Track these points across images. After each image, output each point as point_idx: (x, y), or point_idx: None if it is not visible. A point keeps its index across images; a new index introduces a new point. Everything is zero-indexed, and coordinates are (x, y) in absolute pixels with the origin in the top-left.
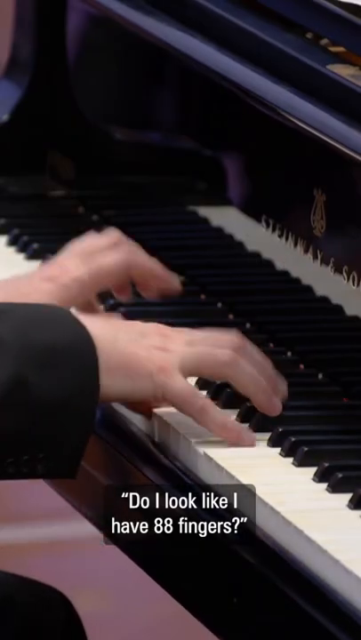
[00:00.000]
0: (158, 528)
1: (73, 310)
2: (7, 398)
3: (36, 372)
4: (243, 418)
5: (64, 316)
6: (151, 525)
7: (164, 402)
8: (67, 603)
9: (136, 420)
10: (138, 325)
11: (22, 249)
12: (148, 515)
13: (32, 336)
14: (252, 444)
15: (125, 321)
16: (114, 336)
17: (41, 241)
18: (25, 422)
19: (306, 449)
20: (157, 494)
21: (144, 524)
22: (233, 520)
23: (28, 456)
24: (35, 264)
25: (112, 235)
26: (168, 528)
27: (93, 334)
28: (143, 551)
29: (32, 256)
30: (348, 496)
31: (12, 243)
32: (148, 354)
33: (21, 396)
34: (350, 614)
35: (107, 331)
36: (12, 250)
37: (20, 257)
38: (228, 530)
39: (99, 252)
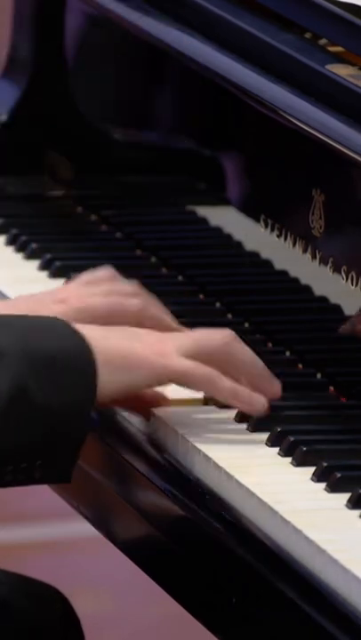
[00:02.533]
0: (157, 528)
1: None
2: (8, 408)
3: (35, 380)
4: (240, 418)
5: (61, 324)
6: (150, 525)
7: (168, 384)
8: (64, 601)
9: (135, 421)
10: (132, 328)
11: (21, 248)
12: (146, 515)
13: (32, 346)
14: (263, 408)
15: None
16: (107, 334)
17: (39, 241)
18: (25, 431)
19: (304, 448)
20: (156, 494)
21: (143, 524)
22: (232, 520)
23: (26, 464)
24: (33, 264)
25: (134, 285)
26: (167, 528)
27: (88, 336)
28: (142, 551)
29: (30, 256)
30: (346, 495)
31: (10, 242)
32: (143, 344)
33: (22, 405)
34: (349, 614)
35: (100, 331)
36: (10, 249)
37: (19, 256)
38: (226, 529)
39: (118, 291)
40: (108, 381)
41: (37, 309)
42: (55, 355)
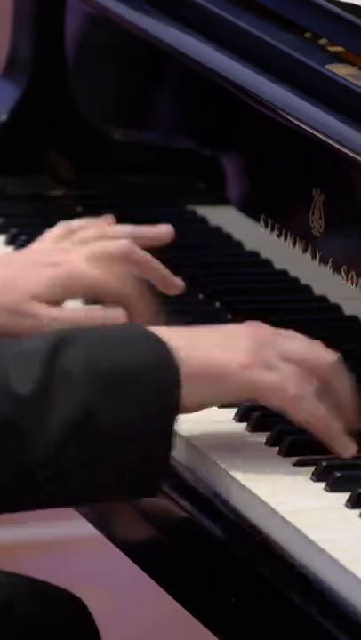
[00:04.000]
0: (157, 528)
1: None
2: (76, 435)
3: (105, 402)
4: (241, 417)
5: (140, 333)
6: (150, 525)
7: (252, 398)
8: (75, 601)
9: None
10: (223, 329)
11: (20, 248)
12: (146, 515)
13: (102, 363)
14: (350, 453)
15: (211, 327)
16: (195, 343)
17: None
18: (94, 454)
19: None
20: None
21: (143, 524)
22: (232, 520)
23: (98, 483)
24: None
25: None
26: (167, 527)
27: (173, 346)
28: (142, 551)
29: None
30: (346, 495)
31: (10, 242)
32: (230, 355)
33: (90, 430)
34: (349, 613)
35: (187, 340)
36: (10, 249)
37: None
38: (226, 530)
39: (100, 239)
40: (191, 394)
41: (32, 272)
42: (132, 370)
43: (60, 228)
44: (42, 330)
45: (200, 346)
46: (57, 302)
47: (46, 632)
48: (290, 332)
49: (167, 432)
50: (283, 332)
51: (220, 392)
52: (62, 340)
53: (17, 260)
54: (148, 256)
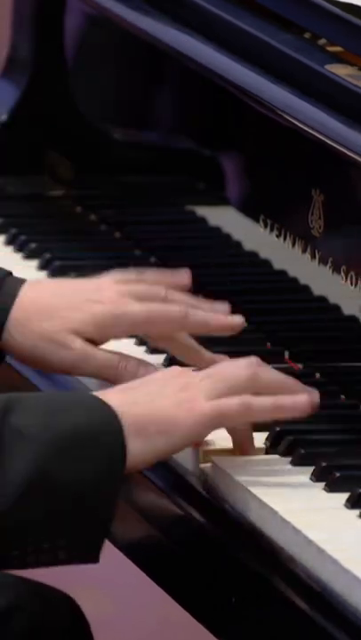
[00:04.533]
0: (158, 528)
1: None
2: (28, 491)
3: (58, 460)
4: None
5: (86, 397)
6: (150, 526)
7: (206, 435)
8: (74, 606)
9: None
10: (153, 378)
11: (20, 248)
12: (146, 516)
13: (53, 424)
14: (311, 401)
15: (142, 379)
16: (134, 399)
17: (38, 240)
18: (46, 511)
19: (303, 450)
20: (156, 495)
21: (143, 525)
22: (232, 521)
23: (48, 544)
24: (32, 263)
25: (165, 288)
26: (167, 528)
27: (115, 406)
28: (143, 553)
29: (29, 255)
30: (345, 495)
31: (9, 242)
32: (170, 400)
33: (43, 487)
34: (348, 613)
35: (126, 396)
36: (9, 249)
37: (18, 256)
38: (226, 530)
39: (155, 295)
40: (141, 449)
41: (78, 306)
42: (79, 431)
43: (126, 274)
44: (74, 363)
45: (141, 400)
46: (100, 340)
47: (45, 635)
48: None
49: (112, 494)
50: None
51: (170, 442)
52: (11, 401)
53: (67, 288)
54: (203, 316)
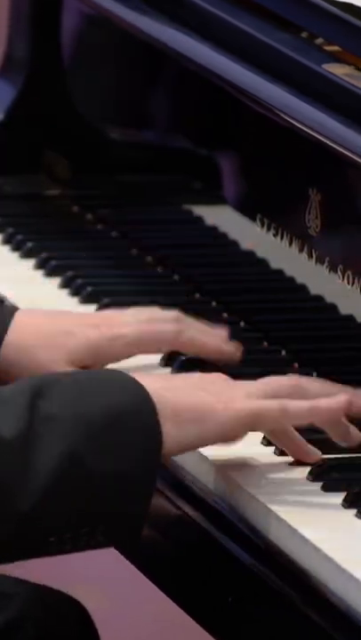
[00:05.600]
0: (153, 528)
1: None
2: (61, 476)
3: (91, 445)
4: None
5: (120, 377)
6: (146, 526)
7: (242, 435)
8: (80, 609)
9: None
10: (194, 376)
11: (16, 248)
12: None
13: (84, 407)
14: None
15: (181, 374)
16: (171, 384)
17: (35, 240)
18: (82, 498)
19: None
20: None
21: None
22: (227, 520)
23: (87, 529)
24: (28, 263)
25: (173, 312)
26: (163, 527)
27: (150, 389)
28: (140, 552)
29: (26, 255)
30: (342, 494)
31: (6, 241)
32: (210, 393)
33: (75, 473)
34: (344, 613)
35: (164, 382)
36: (6, 248)
37: (15, 255)
38: (222, 529)
39: (155, 320)
40: (175, 436)
41: (71, 329)
42: (113, 413)
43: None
44: None
45: (180, 387)
46: (95, 365)
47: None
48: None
49: (150, 475)
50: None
51: (205, 432)
52: (42, 386)
53: (60, 313)
54: (196, 336)
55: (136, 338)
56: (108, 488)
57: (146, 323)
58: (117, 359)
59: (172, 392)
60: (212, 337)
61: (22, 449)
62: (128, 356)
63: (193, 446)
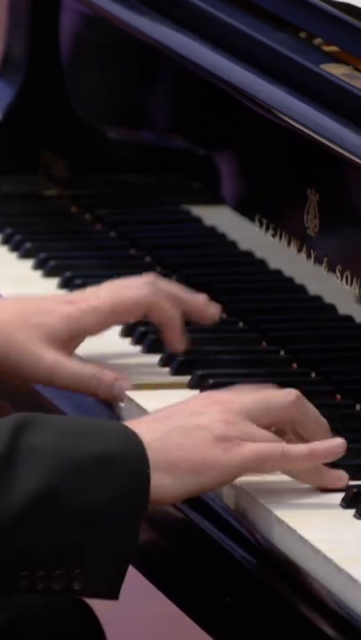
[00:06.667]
0: (154, 530)
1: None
2: (36, 509)
3: (70, 481)
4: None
5: (112, 425)
6: (146, 527)
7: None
8: (87, 609)
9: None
10: (188, 407)
11: (15, 248)
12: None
13: (74, 447)
14: (341, 452)
15: (175, 407)
16: (166, 433)
17: (34, 240)
18: (55, 534)
19: None
20: None
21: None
22: (226, 520)
23: (61, 570)
24: (27, 263)
25: (149, 275)
26: (163, 529)
27: (144, 438)
28: (140, 552)
29: (24, 255)
30: (341, 495)
31: (4, 242)
32: (204, 434)
33: (51, 505)
34: (343, 613)
35: (157, 429)
36: (4, 249)
37: (13, 256)
38: (221, 530)
39: (126, 286)
40: (171, 486)
41: (46, 307)
42: (101, 454)
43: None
44: (47, 377)
45: (173, 432)
46: (75, 341)
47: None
48: (239, 387)
49: (135, 522)
50: (234, 389)
51: (204, 481)
52: (27, 422)
53: (31, 299)
54: (175, 292)
55: (109, 307)
56: (84, 527)
57: (119, 290)
58: (95, 331)
59: (167, 442)
60: (192, 295)
61: (1, 469)
62: (105, 327)
63: (193, 494)
